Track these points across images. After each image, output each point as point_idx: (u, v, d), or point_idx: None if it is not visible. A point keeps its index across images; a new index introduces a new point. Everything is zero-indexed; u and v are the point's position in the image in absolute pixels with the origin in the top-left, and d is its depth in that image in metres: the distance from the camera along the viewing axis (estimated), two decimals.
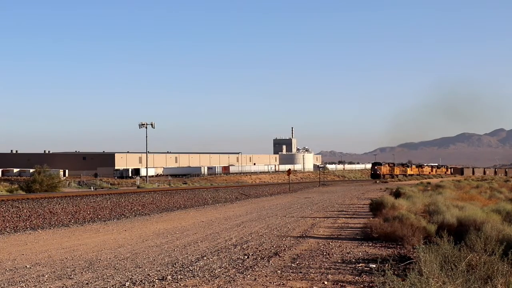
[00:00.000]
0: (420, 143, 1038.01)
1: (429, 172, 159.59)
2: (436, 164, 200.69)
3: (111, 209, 34.25)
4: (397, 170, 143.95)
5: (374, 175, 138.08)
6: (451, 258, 10.16)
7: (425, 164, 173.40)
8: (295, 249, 16.12)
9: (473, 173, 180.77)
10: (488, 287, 8.88)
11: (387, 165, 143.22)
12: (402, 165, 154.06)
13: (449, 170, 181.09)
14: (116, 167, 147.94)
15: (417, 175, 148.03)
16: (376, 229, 17.97)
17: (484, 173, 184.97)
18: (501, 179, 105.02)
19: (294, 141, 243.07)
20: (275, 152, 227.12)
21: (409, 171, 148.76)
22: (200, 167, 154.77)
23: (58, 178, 72.54)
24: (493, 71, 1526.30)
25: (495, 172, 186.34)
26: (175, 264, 13.84)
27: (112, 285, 11.47)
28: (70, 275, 12.62)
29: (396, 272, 11.33)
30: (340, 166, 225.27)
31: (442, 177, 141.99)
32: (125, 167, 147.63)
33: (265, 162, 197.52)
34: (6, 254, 16.39)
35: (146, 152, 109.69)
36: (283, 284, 11.25)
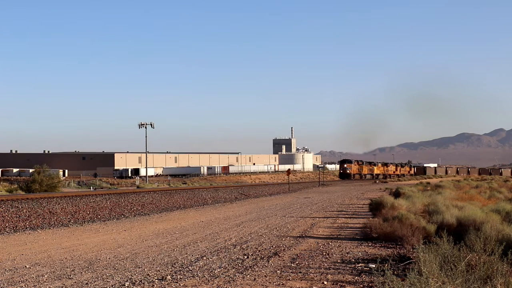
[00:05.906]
0: (420, 143, 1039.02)
1: (393, 172, 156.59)
2: (401, 163, 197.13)
3: (111, 209, 34.24)
4: (365, 169, 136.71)
5: (344, 174, 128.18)
6: (451, 258, 10.16)
7: (390, 163, 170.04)
8: (294, 249, 16.11)
9: (436, 172, 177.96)
10: (487, 287, 8.88)
11: (356, 163, 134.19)
12: (370, 163, 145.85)
13: (412, 169, 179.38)
14: (115, 167, 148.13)
15: (383, 174, 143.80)
16: (375, 229, 17.97)
17: (480, 173, 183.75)
18: (500, 179, 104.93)
19: (293, 141, 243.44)
20: (275, 152, 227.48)
21: (375, 170, 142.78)
22: (200, 167, 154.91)
23: (58, 178, 72.52)
24: (474, 69, 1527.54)
25: (490, 173, 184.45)
26: (175, 264, 13.84)
27: (112, 285, 11.46)
28: (70, 275, 12.62)
29: (395, 272, 11.34)
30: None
31: (404, 176, 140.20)
32: (125, 167, 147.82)
33: (265, 162, 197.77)
34: (5, 254, 16.38)
35: (145, 152, 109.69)
36: (282, 284, 11.25)
